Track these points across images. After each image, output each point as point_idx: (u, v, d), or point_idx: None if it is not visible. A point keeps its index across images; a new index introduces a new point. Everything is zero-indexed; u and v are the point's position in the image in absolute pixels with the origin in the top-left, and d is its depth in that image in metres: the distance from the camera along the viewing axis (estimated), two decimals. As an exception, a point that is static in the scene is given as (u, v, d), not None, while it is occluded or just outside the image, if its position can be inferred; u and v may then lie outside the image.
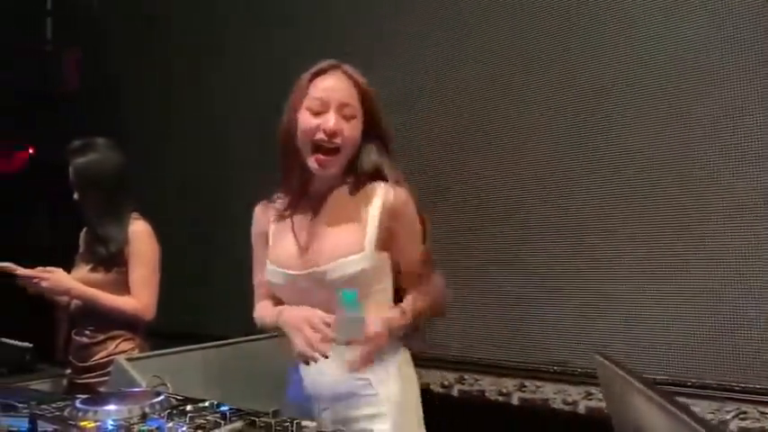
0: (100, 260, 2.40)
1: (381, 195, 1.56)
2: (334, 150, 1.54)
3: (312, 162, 1.56)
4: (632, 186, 2.21)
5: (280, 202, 1.68)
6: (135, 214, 2.47)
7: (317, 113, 1.54)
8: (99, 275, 2.39)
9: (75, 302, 2.43)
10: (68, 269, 2.44)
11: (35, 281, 2.29)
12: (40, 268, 2.32)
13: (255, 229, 1.73)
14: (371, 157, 1.59)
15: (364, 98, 1.57)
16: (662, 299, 2.14)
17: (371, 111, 1.58)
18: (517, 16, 2.47)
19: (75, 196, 2.44)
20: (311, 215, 1.61)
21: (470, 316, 2.52)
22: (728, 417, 1.99)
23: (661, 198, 2.15)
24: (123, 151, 2.51)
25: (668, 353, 2.13)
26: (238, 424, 1.32)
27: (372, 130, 1.59)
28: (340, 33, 2.97)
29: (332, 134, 1.52)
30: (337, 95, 1.54)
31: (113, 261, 2.39)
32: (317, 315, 1.48)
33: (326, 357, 1.45)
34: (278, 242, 1.64)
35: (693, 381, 2.07)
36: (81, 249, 2.52)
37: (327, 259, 1.53)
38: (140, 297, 2.39)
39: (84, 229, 2.52)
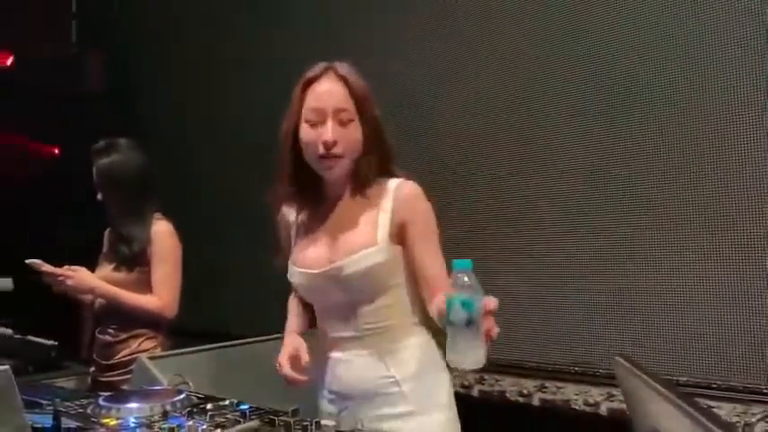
0: (123, 259, 2.43)
1: (393, 189, 1.58)
2: (338, 157, 1.56)
3: (320, 168, 1.58)
4: (655, 185, 2.18)
5: (296, 202, 1.71)
6: (157, 214, 2.49)
7: (314, 125, 1.55)
8: (122, 275, 2.42)
9: (98, 301, 2.46)
10: (92, 269, 2.47)
11: (60, 279, 2.32)
12: (66, 267, 2.35)
13: (282, 231, 1.75)
14: (374, 161, 1.60)
15: (357, 99, 1.56)
16: (686, 299, 2.11)
17: (366, 110, 1.58)
18: (530, 9, 2.45)
19: (99, 196, 2.47)
20: (326, 215, 1.64)
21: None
22: (754, 419, 1.95)
23: (683, 197, 2.12)
24: (146, 151, 2.54)
25: (693, 354, 2.09)
26: (254, 423, 1.33)
27: (371, 130, 1.58)
28: (358, 33, 2.97)
29: (331, 145, 1.53)
30: (333, 101, 1.55)
31: (136, 260, 2.42)
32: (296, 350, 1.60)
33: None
34: (297, 243, 1.67)
35: (719, 383, 2.04)
36: (105, 249, 2.56)
37: (342, 255, 1.55)
38: (162, 296, 2.41)
39: (108, 229, 2.55)
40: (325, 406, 1.66)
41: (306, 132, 1.56)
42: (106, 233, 2.57)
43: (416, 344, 1.59)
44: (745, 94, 1.99)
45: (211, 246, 3.54)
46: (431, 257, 1.55)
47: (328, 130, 1.53)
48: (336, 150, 1.54)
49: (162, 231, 2.46)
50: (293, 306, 1.80)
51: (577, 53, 2.34)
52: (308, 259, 1.61)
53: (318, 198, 1.66)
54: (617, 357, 1.00)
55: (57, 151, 4.02)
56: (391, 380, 1.56)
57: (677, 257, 2.13)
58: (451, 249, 1.56)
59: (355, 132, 1.56)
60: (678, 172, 2.13)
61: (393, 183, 1.59)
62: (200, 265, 3.10)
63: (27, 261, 2.31)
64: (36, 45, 3.89)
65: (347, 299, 1.57)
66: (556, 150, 2.40)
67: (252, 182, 3.47)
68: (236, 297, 3.50)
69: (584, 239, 2.33)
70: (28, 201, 3.87)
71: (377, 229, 1.55)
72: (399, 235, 1.56)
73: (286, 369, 1.59)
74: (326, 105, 1.54)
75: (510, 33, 2.52)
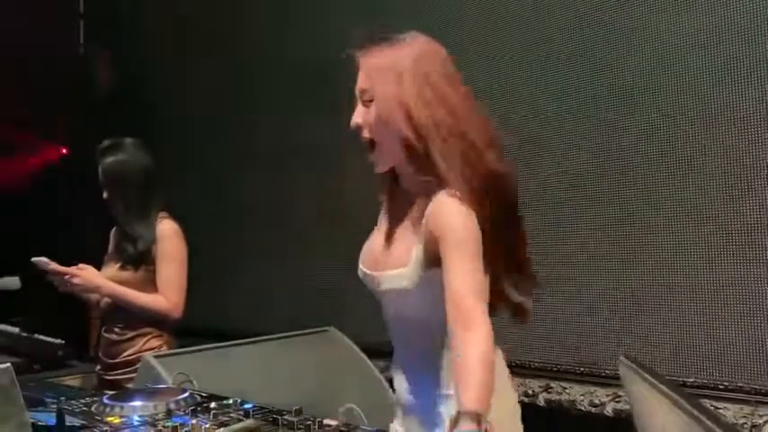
0: (128, 259, 2.44)
1: (431, 205, 1.38)
2: (371, 145, 1.44)
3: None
4: (662, 185, 2.17)
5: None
6: (163, 213, 2.50)
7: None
8: (128, 274, 2.43)
9: (104, 300, 2.47)
10: (98, 268, 2.48)
11: (66, 277, 2.33)
12: (73, 266, 2.36)
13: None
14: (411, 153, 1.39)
15: (370, 74, 1.41)
16: (693, 300, 2.10)
17: (377, 84, 1.40)
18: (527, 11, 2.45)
19: (105, 195, 2.48)
20: (390, 214, 1.52)
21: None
22: (761, 421, 1.94)
23: (692, 198, 2.11)
24: (153, 151, 2.54)
25: (699, 355, 2.08)
26: (251, 422, 1.33)
27: (384, 109, 1.39)
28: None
29: (356, 129, 1.43)
30: (359, 85, 1.44)
31: (142, 259, 2.43)
32: None
33: None
34: (370, 237, 1.57)
35: (726, 384, 2.03)
36: (110, 248, 2.56)
37: (382, 267, 1.46)
38: (169, 295, 2.42)
39: (114, 229, 2.56)
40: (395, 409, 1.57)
41: None
42: (112, 232, 2.57)
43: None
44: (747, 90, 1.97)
45: (222, 245, 3.55)
46: (452, 278, 1.32)
47: (354, 115, 1.43)
48: (364, 135, 1.43)
49: (167, 231, 2.46)
50: None
51: (596, 44, 2.30)
52: (364, 255, 1.53)
53: (392, 189, 1.52)
54: (621, 358, 0.99)
55: (65, 151, 4.03)
56: (431, 402, 1.43)
57: (685, 258, 2.12)
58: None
59: (375, 113, 1.41)
60: (685, 173, 2.12)
61: (435, 196, 1.37)
62: (210, 263, 3.12)
63: (33, 259, 2.32)
64: (43, 45, 3.91)
65: (389, 312, 1.49)
66: (556, 148, 2.39)
67: (258, 181, 3.52)
68: (243, 297, 3.50)
69: (589, 239, 2.32)
70: (35, 200, 3.88)
71: (412, 249, 1.40)
72: (435, 251, 1.36)
73: None
74: (357, 90, 1.44)
75: (525, 25, 2.50)
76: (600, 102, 2.31)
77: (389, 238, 1.48)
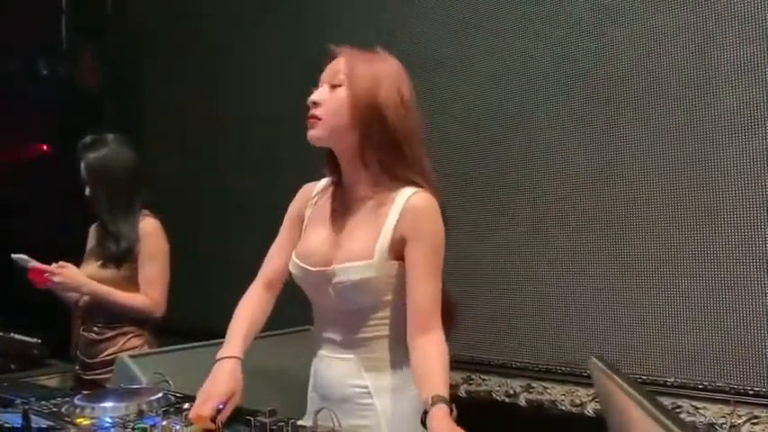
0: (110, 256, 2.41)
1: (404, 199, 1.48)
2: (313, 122, 1.50)
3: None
4: (647, 183, 2.16)
5: (323, 183, 1.65)
6: (145, 211, 2.48)
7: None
8: (110, 272, 2.40)
9: (84, 298, 2.44)
10: (77, 265, 2.45)
11: (46, 275, 2.30)
12: (53, 264, 2.33)
13: (292, 206, 1.69)
14: (375, 152, 1.49)
15: (351, 66, 1.49)
16: (673, 300, 2.10)
17: (356, 77, 1.48)
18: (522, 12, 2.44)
19: (87, 192, 2.45)
20: (338, 210, 1.57)
21: (478, 315, 2.49)
22: (740, 421, 1.94)
23: (675, 195, 2.10)
24: (139, 149, 2.52)
25: (679, 355, 2.08)
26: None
27: (363, 104, 1.47)
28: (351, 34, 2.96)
29: (312, 105, 1.50)
30: (330, 67, 1.53)
31: (124, 258, 2.41)
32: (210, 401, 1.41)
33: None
34: (306, 232, 1.61)
35: (705, 384, 2.03)
36: (90, 245, 2.54)
37: (338, 260, 1.50)
38: (151, 294, 2.40)
39: (94, 225, 2.53)
40: (309, 403, 1.63)
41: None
42: (91, 229, 2.55)
43: (397, 360, 1.52)
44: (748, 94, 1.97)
45: (205, 243, 3.53)
46: (423, 282, 1.46)
47: (316, 92, 1.51)
48: (316, 111, 1.49)
49: (150, 229, 2.44)
50: (246, 311, 1.65)
51: (596, 42, 2.28)
52: (309, 254, 1.55)
53: (338, 188, 1.60)
54: (592, 358, 0.99)
55: (45, 148, 4.01)
56: (365, 390, 1.51)
57: (664, 257, 2.12)
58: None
59: (339, 98, 1.49)
60: (673, 171, 2.11)
61: (407, 192, 1.49)
62: (193, 262, 3.09)
63: (13, 256, 2.29)
64: (27, 42, 3.88)
65: (338, 303, 1.52)
66: (542, 150, 2.38)
67: (248, 180, 3.50)
68: (226, 296, 3.48)
69: (570, 239, 2.31)
70: (15, 198, 3.85)
71: (376, 241, 1.47)
72: (400, 250, 1.48)
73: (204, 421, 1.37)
74: (327, 72, 1.53)
75: (517, 26, 2.48)
76: (595, 99, 2.30)
77: (339, 232, 1.54)
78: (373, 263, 1.46)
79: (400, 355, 1.52)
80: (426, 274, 1.46)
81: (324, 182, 1.65)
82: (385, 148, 1.49)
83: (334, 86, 1.50)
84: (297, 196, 1.68)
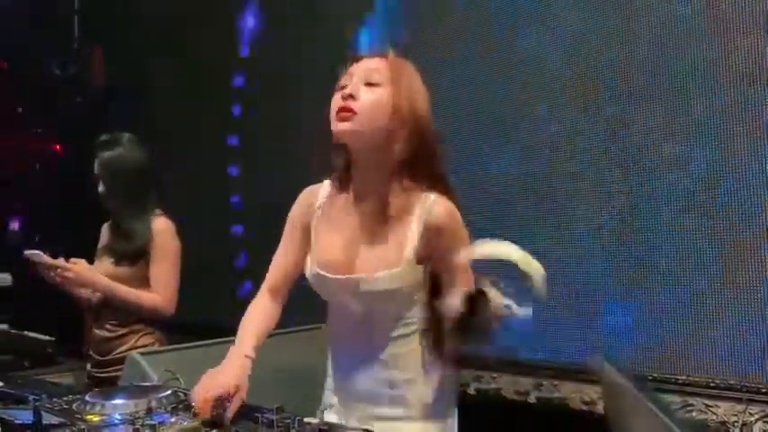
0: (123, 254, 2.42)
1: (425, 209, 1.45)
2: (352, 111, 1.42)
3: (333, 127, 1.44)
4: (652, 179, 2.15)
5: (326, 187, 1.58)
6: (158, 210, 2.49)
7: (342, 87, 1.45)
8: (123, 269, 2.41)
9: (96, 296, 2.45)
10: (90, 262, 2.46)
11: (59, 271, 2.32)
12: (68, 260, 2.34)
13: (295, 212, 1.61)
14: (405, 155, 1.44)
15: (393, 68, 1.45)
16: (685, 296, 2.09)
17: (401, 78, 1.45)
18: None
19: (100, 189, 2.46)
20: (353, 216, 1.51)
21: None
22: (753, 419, 1.93)
23: (682, 192, 2.09)
24: (148, 148, 2.53)
25: (691, 353, 2.07)
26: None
27: (404, 109, 1.43)
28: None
29: (348, 97, 1.41)
30: (363, 65, 1.46)
31: (137, 256, 2.42)
32: (212, 391, 1.40)
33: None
34: (319, 239, 1.55)
35: (717, 382, 2.01)
36: (102, 243, 2.55)
37: (362, 269, 1.47)
38: (162, 292, 2.41)
39: (107, 223, 2.55)
40: (328, 396, 1.62)
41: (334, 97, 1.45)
42: (104, 227, 2.56)
43: (421, 349, 1.50)
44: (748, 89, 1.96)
45: (217, 242, 3.54)
46: (456, 287, 1.37)
47: (351, 86, 1.43)
48: (352, 104, 1.41)
49: (162, 228, 2.45)
50: (254, 319, 1.60)
51: (592, 39, 2.29)
52: (327, 262, 1.50)
53: (346, 191, 1.53)
54: (596, 356, 0.99)
55: (58, 148, 4.03)
56: (393, 381, 1.50)
57: (675, 255, 2.11)
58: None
59: (378, 96, 1.43)
60: (677, 166, 2.10)
61: (427, 198, 1.45)
62: (206, 260, 3.11)
63: (26, 252, 2.31)
64: (37, 41, 3.91)
65: (364, 309, 1.50)
66: (533, 145, 2.37)
67: (252, 179, 3.51)
68: (236, 294, 3.50)
69: (576, 236, 2.31)
70: (27, 196, 3.89)
71: (403, 249, 1.44)
72: (425, 256, 1.45)
73: (203, 406, 1.37)
74: (358, 68, 1.46)
75: (516, 24, 2.48)
76: (593, 98, 2.29)
77: (361, 239, 1.49)
78: (402, 271, 1.43)
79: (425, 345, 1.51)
80: (456, 284, 1.37)
81: (327, 185, 1.59)
82: (413, 153, 1.44)
83: (369, 84, 1.44)
84: (298, 201, 1.62)
